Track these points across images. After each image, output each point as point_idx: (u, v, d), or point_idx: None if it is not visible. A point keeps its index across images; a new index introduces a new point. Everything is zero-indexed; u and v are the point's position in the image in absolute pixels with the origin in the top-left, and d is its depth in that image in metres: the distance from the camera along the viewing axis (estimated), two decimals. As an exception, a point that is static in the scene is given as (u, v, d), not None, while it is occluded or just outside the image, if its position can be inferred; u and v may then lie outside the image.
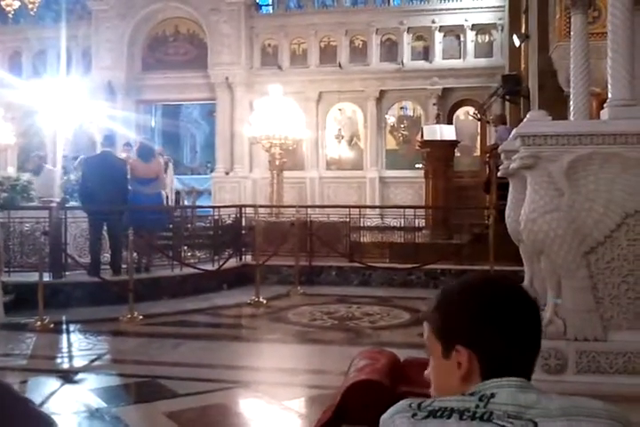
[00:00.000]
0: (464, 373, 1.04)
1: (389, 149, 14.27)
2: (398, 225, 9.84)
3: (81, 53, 14.61)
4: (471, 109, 13.69)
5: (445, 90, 13.83)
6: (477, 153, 13.54)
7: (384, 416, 1.03)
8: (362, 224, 9.80)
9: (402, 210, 10.01)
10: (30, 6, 14.18)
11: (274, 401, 4.11)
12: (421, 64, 13.99)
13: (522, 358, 1.06)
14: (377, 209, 11.99)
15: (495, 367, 1.03)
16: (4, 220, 7.75)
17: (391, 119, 14.37)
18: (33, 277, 6.69)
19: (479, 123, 13.29)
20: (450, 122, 12.95)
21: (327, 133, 14.35)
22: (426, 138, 10.38)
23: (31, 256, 7.60)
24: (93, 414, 3.88)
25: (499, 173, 4.02)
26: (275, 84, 12.00)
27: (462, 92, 13.88)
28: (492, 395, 0.99)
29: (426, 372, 1.14)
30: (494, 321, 1.04)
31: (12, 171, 9.45)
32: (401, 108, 14.45)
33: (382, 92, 14.14)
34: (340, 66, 14.18)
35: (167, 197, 11.08)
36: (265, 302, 7.46)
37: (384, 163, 14.15)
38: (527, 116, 3.23)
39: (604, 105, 3.37)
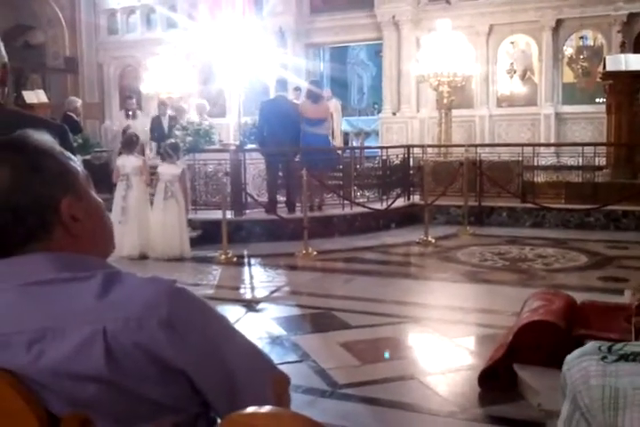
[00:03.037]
0: None
1: (566, 82, 13.31)
2: (576, 164, 9.29)
3: (253, 1, 14.97)
4: (662, 35, 12.32)
5: (631, 15, 12.49)
6: (669, 84, 12.24)
7: (569, 357, 1.01)
8: (535, 163, 9.38)
9: (580, 148, 9.42)
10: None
11: (444, 337, 4.18)
12: (605, -12, 12.74)
13: None
14: (552, 147, 11.37)
15: None
16: (190, 162, 8.38)
17: (569, 50, 13.34)
18: (216, 214, 7.24)
19: (672, 50, 11.95)
20: (636, 51, 11.77)
21: (498, 68, 13.65)
22: (608, 69, 9.58)
23: (215, 195, 8.18)
24: (275, 340, 4.20)
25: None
26: (442, 19, 11.56)
27: (651, 16, 12.50)
28: None
29: None
30: None
31: (195, 117, 10.13)
32: (580, 37, 13.32)
33: (559, 22, 13.10)
34: (512, -5, 13.32)
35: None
36: (433, 241, 7.49)
37: (560, 98, 13.25)
38: None
39: None
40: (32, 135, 1.08)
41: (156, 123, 10.30)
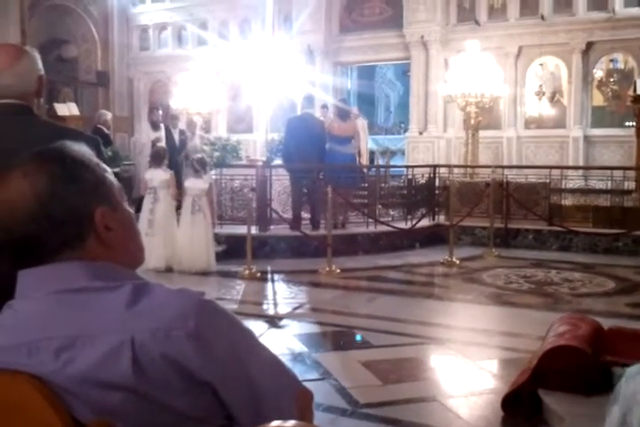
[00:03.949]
0: None
1: (596, 105, 13.21)
2: (604, 187, 9.20)
3: (283, 19, 15.19)
4: (695, 59, 12.19)
5: (664, 39, 12.44)
6: (701, 108, 12.07)
7: (629, 370, 1.01)
8: (563, 186, 9.29)
9: (609, 171, 9.33)
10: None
11: (467, 360, 4.12)
12: (636, 11, 12.62)
13: None
14: (580, 170, 11.27)
15: None
16: (217, 177, 8.45)
17: (599, 73, 13.26)
18: (242, 229, 7.26)
19: None
20: (668, 74, 11.68)
21: (527, 90, 13.61)
22: (639, 92, 9.52)
23: (240, 210, 8.24)
24: (296, 357, 4.18)
25: None
26: (471, 40, 11.60)
27: (684, 40, 12.39)
28: None
29: None
30: None
31: (223, 132, 10.25)
32: (610, 60, 13.24)
33: (589, 44, 13.05)
34: (542, 18, 13.29)
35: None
36: (458, 262, 7.43)
37: (589, 121, 13.16)
38: None
39: None
40: (70, 146, 1.10)
41: (166, 135, 10.39)
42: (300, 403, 1.08)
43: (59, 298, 1.01)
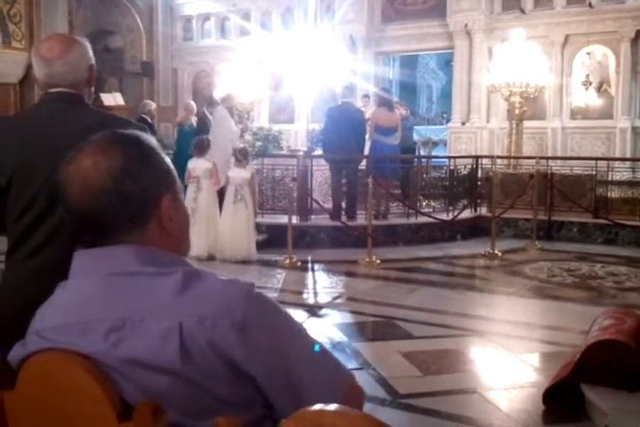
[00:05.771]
0: None
1: (645, 95, 12.88)
2: (653, 180, 8.96)
3: (325, 9, 15.14)
4: None
5: None
6: None
7: None
8: (610, 178, 9.07)
9: (658, 163, 9.08)
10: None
11: (508, 353, 4.09)
12: (689, -2, 12.23)
13: None
14: (628, 162, 10.99)
15: None
16: (259, 166, 8.50)
17: (649, 62, 12.89)
18: (282, 219, 7.32)
19: None
20: None
21: (573, 80, 13.30)
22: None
23: (281, 200, 8.29)
24: (336, 346, 4.19)
25: None
26: (516, 28, 11.37)
27: None
28: None
29: None
30: None
31: (265, 122, 10.22)
32: (661, 49, 12.86)
33: (639, 33, 12.66)
34: (590, 5, 12.94)
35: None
36: (500, 254, 7.34)
37: (638, 111, 12.81)
38: None
39: None
40: (143, 134, 1.14)
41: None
42: (347, 390, 1.09)
43: (112, 281, 1.03)
